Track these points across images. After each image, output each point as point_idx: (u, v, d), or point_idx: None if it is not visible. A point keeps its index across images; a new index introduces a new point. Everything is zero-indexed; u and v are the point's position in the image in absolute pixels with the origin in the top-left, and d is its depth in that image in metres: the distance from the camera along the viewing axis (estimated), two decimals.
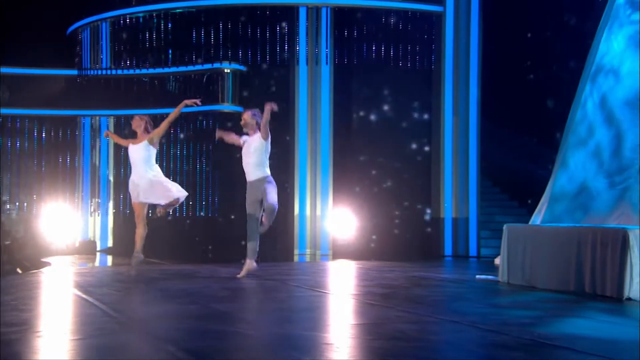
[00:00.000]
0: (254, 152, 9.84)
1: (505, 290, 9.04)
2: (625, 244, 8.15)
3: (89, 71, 15.78)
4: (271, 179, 9.74)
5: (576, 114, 11.71)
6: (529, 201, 16.58)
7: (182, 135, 15.19)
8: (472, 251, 14.77)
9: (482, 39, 14.94)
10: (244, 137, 9.96)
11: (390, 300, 7.80)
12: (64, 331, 5.74)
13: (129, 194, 9.79)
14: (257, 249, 9.70)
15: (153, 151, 9.96)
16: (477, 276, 10.43)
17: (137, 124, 9.95)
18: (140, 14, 15.06)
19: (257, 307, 7.84)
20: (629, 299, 7.90)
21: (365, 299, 7.87)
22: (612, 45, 11.58)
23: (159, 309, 7.23)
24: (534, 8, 16.07)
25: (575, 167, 11.92)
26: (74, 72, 15.95)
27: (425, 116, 15.11)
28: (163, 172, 13.45)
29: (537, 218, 11.80)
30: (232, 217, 14.44)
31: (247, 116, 9.85)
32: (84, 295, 7.73)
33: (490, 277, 10.12)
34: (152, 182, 9.82)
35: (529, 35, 16.56)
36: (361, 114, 14.86)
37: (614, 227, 8.73)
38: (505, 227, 9.57)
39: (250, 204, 9.63)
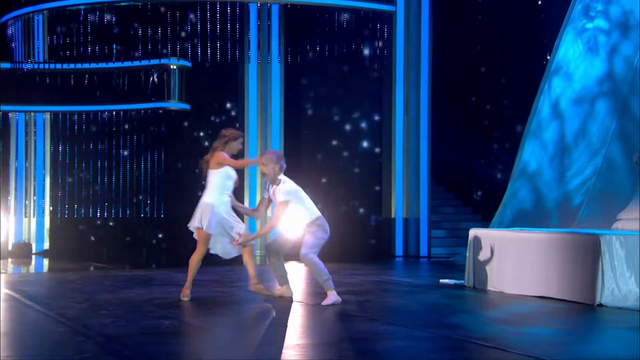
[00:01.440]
0: None
1: (477, 297, 9.09)
2: (596, 250, 8.28)
3: (23, 65, 15.23)
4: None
5: (534, 112, 12.22)
6: (474, 199, 16.97)
7: (127, 133, 14.73)
8: (423, 251, 14.88)
9: (432, 38, 15.04)
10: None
11: (369, 311, 7.75)
12: (38, 357, 5.41)
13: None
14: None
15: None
16: (442, 280, 10.48)
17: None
18: (82, 6, 14.60)
19: (230, 322, 7.54)
20: (601, 305, 8.06)
21: (342, 310, 7.73)
22: (568, 50, 12.41)
23: (134, 326, 6.88)
24: (483, 8, 16.52)
25: (530, 161, 12.43)
26: (6, 65, 15.27)
27: (377, 116, 15.18)
28: (105, 173, 13.29)
29: (498, 220, 12.10)
30: (178, 219, 14.27)
31: (266, 165, 8.35)
32: (43, 310, 7.42)
33: (455, 281, 10.23)
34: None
35: (478, 34, 16.89)
36: (312, 112, 14.87)
37: (585, 233, 8.91)
38: (471, 231, 9.74)
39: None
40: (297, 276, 11.27)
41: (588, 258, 8.39)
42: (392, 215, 15.00)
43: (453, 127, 16.70)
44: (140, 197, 14.61)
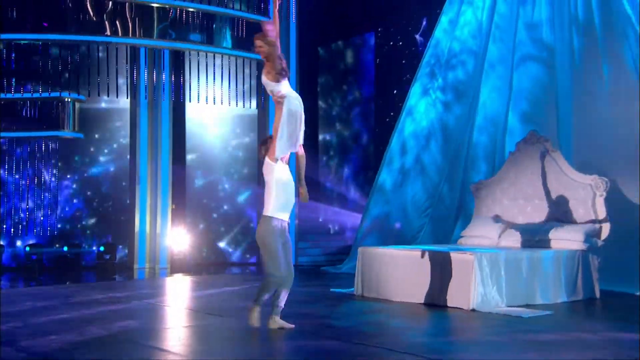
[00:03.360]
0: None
1: (365, 304, 9.25)
2: (470, 266, 8.76)
3: None
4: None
5: (390, 145, 13.79)
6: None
7: (21, 160, 14.09)
8: (293, 260, 15.12)
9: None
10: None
11: (308, 325, 7.49)
12: None
13: None
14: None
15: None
16: (332, 289, 10.60)
17: None
18: None
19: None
20: (474, 310, 8.59)
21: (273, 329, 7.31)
22: (416, 101, 13.81)
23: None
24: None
25: (386, 189, 13.57)
26: None
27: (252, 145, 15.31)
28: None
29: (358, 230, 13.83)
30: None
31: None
32: None
33: (345, 290, 10.37)
34: None
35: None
36: (193, 142, 15.01)
37: (462, 251, 9.34)
38: (359, 249, 10.19)
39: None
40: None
41: (463, 271, 8.81)
42: None
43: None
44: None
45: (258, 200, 15.24)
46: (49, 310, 8.66)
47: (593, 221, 10.52)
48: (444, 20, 13.59)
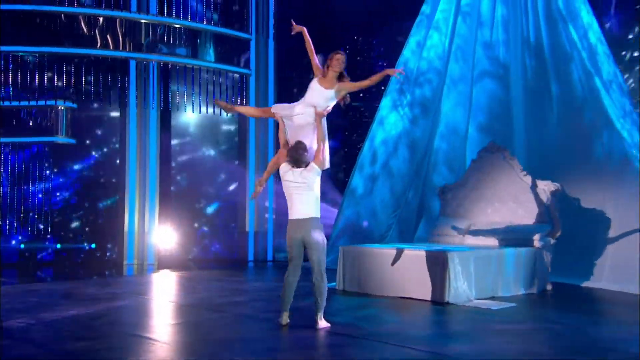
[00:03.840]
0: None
1: (347, 298, 9.20)
2: (445, 263, 8.82)
3: None
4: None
5: (361, 152, 13.60)
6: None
7: (15, 163, 13.70)
8: (269, 256, 14.97)
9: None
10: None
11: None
12: None
13: None
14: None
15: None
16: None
17: None
18: None
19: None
20: (448, 302, 8.69)
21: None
22: (387, 112, 13.67)
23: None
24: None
25: (356, 187, 13.52)
26: None
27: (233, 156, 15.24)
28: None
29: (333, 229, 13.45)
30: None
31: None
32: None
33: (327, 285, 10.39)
34: None
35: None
36: (179, 149, 14.89)
37: (436, 250, 9.31)
38: (341, 248, 10.09)
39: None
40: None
41: (438, 268, 8.87)
42: (247, 229, 14.91)
43: None
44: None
45: (237, 200, 15.17)
46: (57, 306, 8.41)
47: (547, 222, 10.65)
48: (412, 42, 13.55)
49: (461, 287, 8.85)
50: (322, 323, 6.88)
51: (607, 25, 12.55)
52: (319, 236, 6.89)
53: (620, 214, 10.93)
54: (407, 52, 13.47)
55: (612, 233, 11.00)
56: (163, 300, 9.32)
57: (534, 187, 10.91)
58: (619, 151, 11.23)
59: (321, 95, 7.01)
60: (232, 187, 15.38)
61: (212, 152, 15.38)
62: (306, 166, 6.79)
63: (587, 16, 11.83)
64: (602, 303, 9.67)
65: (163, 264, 13.79)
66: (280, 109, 7.32)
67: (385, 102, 13.39)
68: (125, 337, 6.66)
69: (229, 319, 7.82)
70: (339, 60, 7.02)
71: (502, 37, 12.98)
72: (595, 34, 11.78)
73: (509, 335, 6.91)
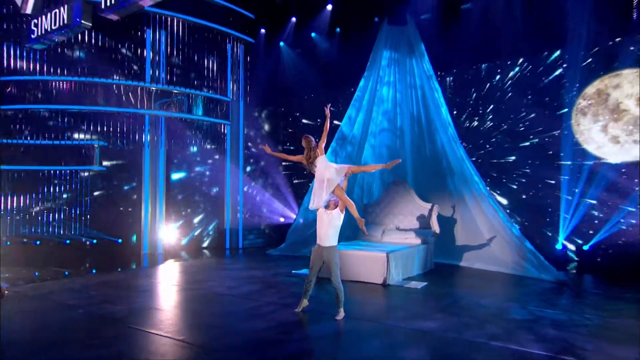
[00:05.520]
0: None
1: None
2: (388, 259, 8.99)
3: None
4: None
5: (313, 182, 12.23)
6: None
7: (64, 194, 13.41)
8: (240, 244, 15.10)
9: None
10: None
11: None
12: None
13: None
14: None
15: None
16: (294, 271, 10.06)
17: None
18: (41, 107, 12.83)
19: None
20: (389, 284, 8.85)
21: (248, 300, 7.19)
22: (328, 155, 12.85)
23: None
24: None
25: (306, 205, 12.59)
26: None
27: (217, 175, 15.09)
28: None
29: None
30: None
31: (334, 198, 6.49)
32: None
33: (301, 272, 9.92)
34: None
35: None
36: (179, 177, 14.68)
37: (381, 251, 9.21)
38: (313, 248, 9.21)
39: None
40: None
41: (380, 262, 9.02)
42: (224, 226, 15.17)
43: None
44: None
45: (219, 205, 15.17)
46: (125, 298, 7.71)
47: (429, 227, 11.14)
48: (345, 116, 13.36)
49: (393, 273, 9.10)
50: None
51: (454, 112, 12.56)
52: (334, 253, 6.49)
53: (466, 219, 11.30)
54: (343, 124, 13.36)
55: (462, 231, 11.39)
56: (205, 290, 8.54)
57: (423, 207, 11.36)
58: (462, 182, 11.44)
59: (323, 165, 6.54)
60: (213, 199, 15.13)
61: (203, 177, 15.12)
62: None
63: (444, 105, 12.00)
64: (467, 276, 9.93)
65: (168, 253, 13.57)
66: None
67: (328, 155, 12.34)
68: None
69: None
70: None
71: (395, 108, 13.07)
72: (447, 116, 11.88)
73: (440, 306, 7.23)
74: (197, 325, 6.11)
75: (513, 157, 12.03)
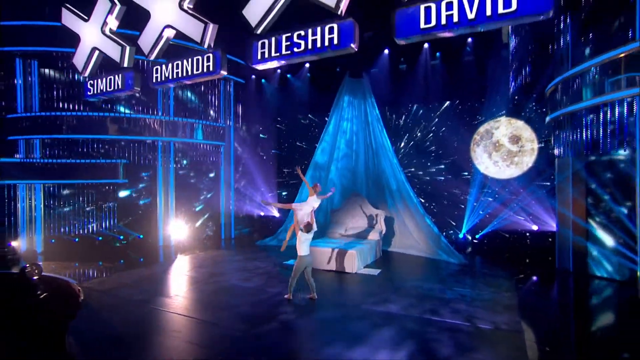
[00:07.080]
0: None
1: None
2: (354, 254, 9.36)
3: (32, 160, 12.50)
4: None
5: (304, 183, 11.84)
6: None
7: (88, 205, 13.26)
8: (232, 235, 15.04)
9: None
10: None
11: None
12: None
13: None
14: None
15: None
16: (284, 262, 10.12)
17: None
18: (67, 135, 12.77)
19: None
20: (356, 273, 9.18)
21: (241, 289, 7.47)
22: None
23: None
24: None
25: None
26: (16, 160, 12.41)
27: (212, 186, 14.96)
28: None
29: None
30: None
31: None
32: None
33: (291, 262, 10.01)
34: None
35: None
36: (181, 179, 14.37)
37: (347, 246, 9.61)
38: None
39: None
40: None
41: (350, 256, 9.33)
42: (220, 222, 14.89)
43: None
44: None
45: (216, 204, 14.93)
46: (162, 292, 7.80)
47: (378, 227, 11.61)
48: (318, 148, 13.46)
49: (358, 263, 9.57)
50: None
51: (393, 140, 12.73)
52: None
53: (400, 219, 11.75)
54: (317, 153, 13.48)
55: (398, 228, 11.78)
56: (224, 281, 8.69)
57: (374, 212, 11.84)
58: (397, 193, 11.84)
59: (313, 201, 7.81)
60: (209, 205, 15.00)
61: (197, 188, 14.90)
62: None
63: (387, 139, 12.32)
64: (405, 262, 10.36)
65: (177, 246, 13.33)
66: (296, 206, 7.80)
67: (308, 178, 13.11)
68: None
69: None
70: (317, 187, 7.87)
71: (353, 137, 13.30)
72: (389, 144, 12.15)
73: (396, 290, 7.71)
74: (232, 313, 6.43)
75: (434, 170, 12.47)
